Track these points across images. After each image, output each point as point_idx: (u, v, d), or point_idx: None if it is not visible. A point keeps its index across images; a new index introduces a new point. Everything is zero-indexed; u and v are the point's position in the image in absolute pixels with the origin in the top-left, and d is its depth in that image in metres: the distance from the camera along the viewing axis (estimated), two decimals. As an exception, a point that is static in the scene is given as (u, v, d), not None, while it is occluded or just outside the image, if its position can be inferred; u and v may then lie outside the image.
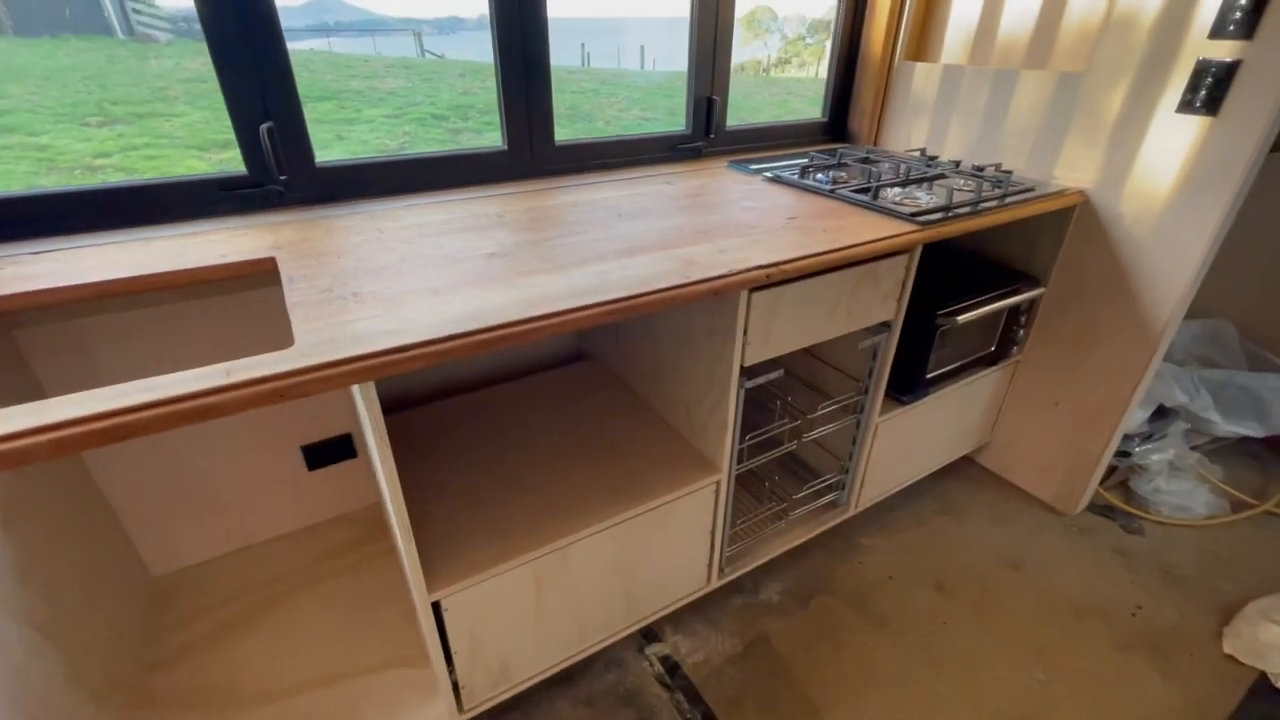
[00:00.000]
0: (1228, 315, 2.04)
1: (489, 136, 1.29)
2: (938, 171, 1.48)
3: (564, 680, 1.27)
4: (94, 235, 1.04)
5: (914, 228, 1.16)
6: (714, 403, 1.17)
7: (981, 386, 1.65)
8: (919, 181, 1.43)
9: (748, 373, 1.11)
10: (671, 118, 1.67)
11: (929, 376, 1.45)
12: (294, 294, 0.85)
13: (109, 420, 0.60)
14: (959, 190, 1.35)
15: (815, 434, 1.38)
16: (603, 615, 1.20)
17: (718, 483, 1.21)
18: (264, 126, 1.11)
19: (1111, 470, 1.81)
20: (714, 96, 1.62)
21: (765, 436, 1.29)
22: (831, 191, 1.35)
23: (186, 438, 1.24)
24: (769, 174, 1.50)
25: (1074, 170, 1.45)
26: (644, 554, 1.19)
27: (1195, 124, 1.25)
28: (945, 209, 1.23)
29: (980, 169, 1.49)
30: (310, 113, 1.17)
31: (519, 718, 1.21)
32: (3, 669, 0.78)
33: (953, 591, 1.49)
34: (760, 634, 1.38)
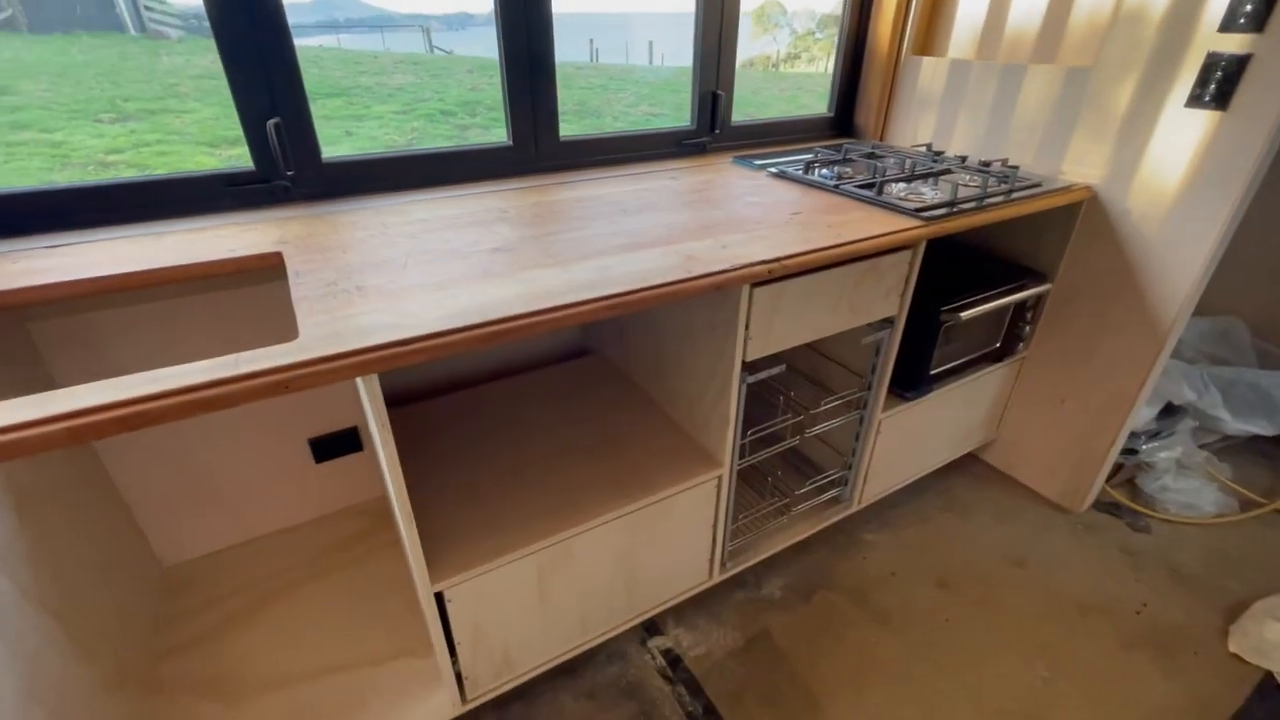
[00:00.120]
0: (1238, 312, 2.03)
1: (496, 132, 1.30)
2: (943, 167, 1.47)
3: (566, 672, 1.28)
4: (106, 230, 1.06)
5: (918, 223, 1.16)
6: (716, 397, 1.17)
7: (987, 383, 1.64)
8: (924, 177, 1.42)
9: (749, 368, 1.11)
10: (679, 113, 1.68)
11: (933, 373, 1.45)
12: (299, 288, 0.86)
13: (121, 410, 0.61)
14: (964, 186, 1.35)
15: (818, 429, 1.38)
16: (605, 608, 1.21)
17: (720, 477, 1.22)
18: (271, 122, 1.13)
19: (1118, 468, 1.80)
20: (719, 91, 1.62)
21: (768, 432, 1.29)
22: (836, 187, 1.35)
23: (197, 431, 1.26)
24: (773, 169, 1.50)
25: (1081, 166, 1.44)
26: (646, 547, 1.19)
27: (1204, 118, 1.24)
28: (950, 204, 1.23)
29: (986, 164, 1.48)
30: (319, 109, 1.19)
31: (522, 708, 1.22)
32: (19, 654, 0.80)
33: (956, 588, 1.49)
34: (762, 628, 1.39)
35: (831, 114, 1.89)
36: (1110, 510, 1.72)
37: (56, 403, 0.61)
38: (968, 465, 1.87)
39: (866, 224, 1.15)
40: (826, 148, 1.64)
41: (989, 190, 1.30)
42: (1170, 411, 1.79)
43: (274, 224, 1.10)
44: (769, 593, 1.47)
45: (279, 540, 1.42)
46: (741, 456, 1.24)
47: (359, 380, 0.80)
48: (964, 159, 1.54)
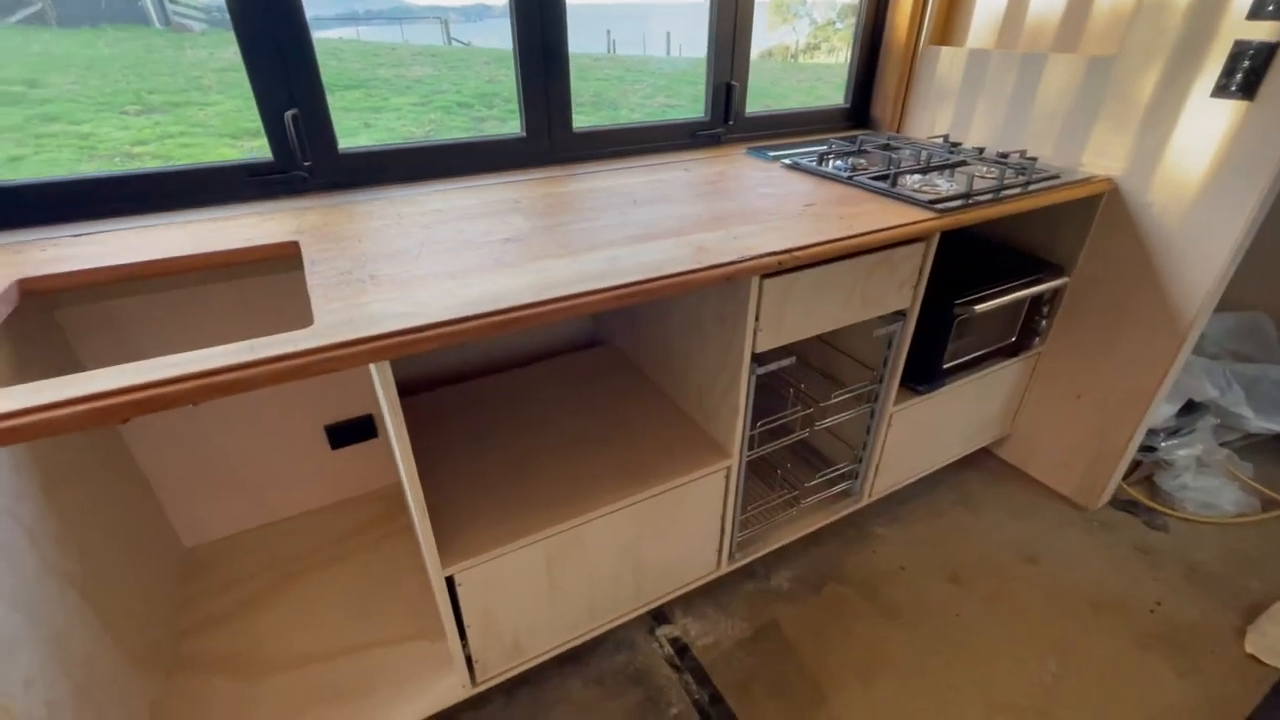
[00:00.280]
0: (1264, 307, 1.98)
1: (512, 124, 1.31)
2: (959, 158, 1.45)
3: (575, 658, 1.30)
4: (131, 219, 1.09)
5: (932, 215, 1.15)
6: (725, 389, 1.17)
7: (1001, 377, 1.63)
8: (940, 168, 1.41)
9: (759, 359, 1.11)
10: (696, 105, 1.67)
11: (946, 366, 1.44)
12: (315, 276, 0.88)
13: (142, 393, 0.63)
14: (981, 177, 1.33)
15: (828, 422, 1.38)
16: (613, 595, 1.22)
17: (729, 468, 1.22)
18: (289, 114, 1.14)
19: (1136, 465, 1.78)
20: (733, 82, 1.61)
21: (777, 424, 1.29)
22: (849, 178, 1.34)
23: (217, 416, 1.29)
24: (787, 161, 1.49)
25: (1102, 157, 1.41)
26: (654, 537, 1.20)
27: (1231, 108, 1.21)
28: (965, 196, 1.22)
29: (1004, 156, 1.46)
30: (338, 101, 1.20)
31: (531, 692, 1.24)
32: (47, 629, 0.83)
33: (967, 583, 1.48)
34: (770, 620, 1.39)
35: (847, 105, 1.87)
36: (1127, 508, 1.70)
37: (81, 385, 0.63)
38: (981, 460, 1.85)
39: (880, 216, 1.14)
40: (841, 139, 1.63)
41: (1006, 182, 1.29)
42: (1191, 409, 1.76)
43: (291, 214, 1.12)
44: (777, 584, 1.48)
45: (296, 524, 1.45)
46: (751, 448, 1.24)
47: (373, 367, 0.82)
48: (981, 151, 1.52)
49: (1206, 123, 1.24)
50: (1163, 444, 1.72)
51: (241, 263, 0.99)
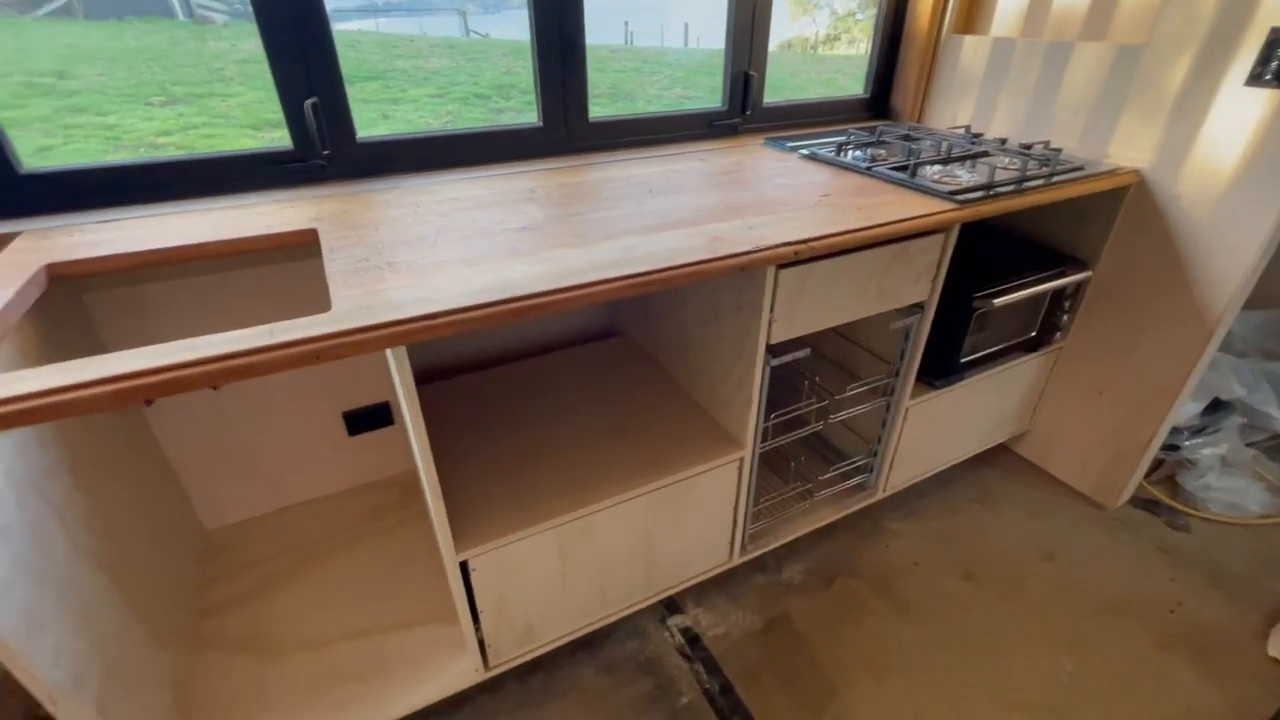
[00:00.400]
0: (1297, 305, 1.93)
1: (529, 116, 1.31)
2: (981, 149, 1.43)
3: (586, 645, 1.31)
4: (154, 206, 1.11)
5: (952, 206, 1.13)
6: (739, 379, 1.17)
7: (1020, 373, 1.60)
8: (961, 159, 1.39)
9: (773, 350, 1.11)
10: (713, 96, 1.66)
11: (964, 361, 1.42)
12: (333, 263, 0.89)
13: (164, 374, 0.65)
14: (1003, 169, 1.31)
15: (843, 415, 1.37)
16: (625, 584, 1.23)
17: (741, 459, 1.22)
18: (309, 102, 1.15)
19: (1158, 464, 1.74)
20: (751, 72, 1.60)
21: (791, 416, 1.29)
22: (868, 169, 1.32)
23: (238, 402, 1.32)
24: (805, 151, 1.48)
25: (1129, 148, 1.38)
26: (666, 526, 1.21)
27: (1265, 98, 1.17)
28: (986, 187, 1.20)
29: (1028, 147, 1.43)
30: (357, 93, 1.21)
31: (543, 679, 1.25)
32: (75, 604, 0.85)
33: (982, 580, 1.47)
34: (781, 612, 1.39)
35: (867, 95, 1.85)
36: (1147, 507, 1.67)
37: (107, 366, 0.64)
38: (998, 457, 1.83)
39: (898, 207, 1.13)
40: (860, 130, 1.61)
41: (1029, 173, 1.26)
42: (1217, 407, 1.72)
43: (310, 202, 1.14)
44: (789, 577, 1.47)
45: (314, 509, 1.47)
46: (764, 440, 1.24)
47: (389, 353, 0.82)
48: (1003, 141, 1.49)
49: (1239, 112, 1.21)
50: (1186, 443, 1.68)
51: (261, 250, 1.00)
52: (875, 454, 1.47)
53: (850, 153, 1.45)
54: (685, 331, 1.34)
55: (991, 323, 1.40)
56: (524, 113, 1.38)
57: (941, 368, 1.41)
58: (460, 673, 1.12)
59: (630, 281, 0.86)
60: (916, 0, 1.69)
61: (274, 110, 1.16)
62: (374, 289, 0.81)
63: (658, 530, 1.20)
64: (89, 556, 0.92)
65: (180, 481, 1.33)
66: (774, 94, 1.68)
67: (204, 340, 0.69)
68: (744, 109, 1.63)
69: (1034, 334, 1.55)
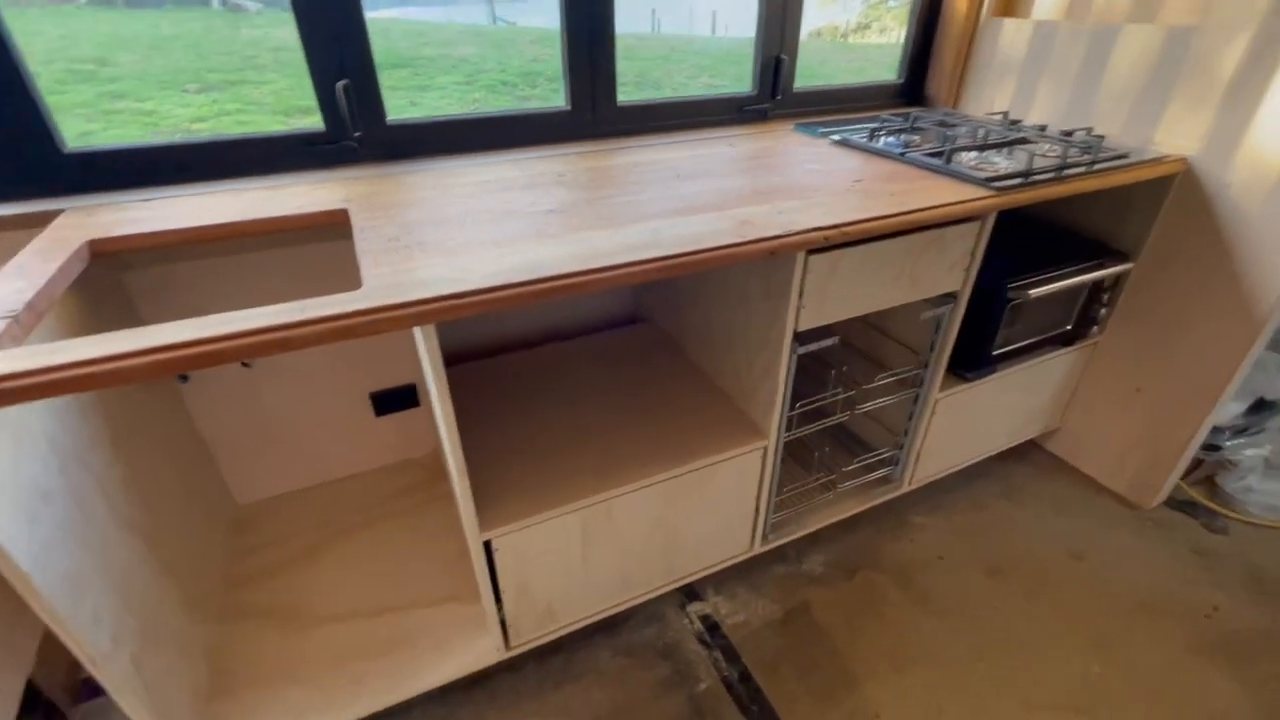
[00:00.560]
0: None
1: (555, 104, 1.31)
2: (1019, 135, 1.39)
3: (606, 629, 1.32)
4: (191, 186, 1.13)
5: (988, 193, 1.11)
6: (765, 367, 1.16)
7: (1054, 367, 1.56)
8: (998, 146, 1.35)
9: (801, 338, 1.09)
10: (740, 85, 1.62)
11: (996, 353, 1.39)
12: (363, 242, 0.90)
13: (200, 347, 0.66)
14: (1042, 156, 1.27)
15: (869, 406, 1.35)
16: (645, 569, 1.23)
17: (765, 448, 1.21)
18: (340, 84, 1.16)
19: (1196, 464, 1.69)
20: (782, 56, 1.57)
21: (816, 406, 1.27)
22: (901, 155, 1.30)
23: (269, 380, 1.34)
24: (836, 137, 1.45)
25: (1176, 136, 1.33)
26: (688, 513, 1.20)
27: (1326, 82, 1.12)
28: (1024, 174, 1.16)
29: (1069, 133, 1.38)
30: (386, 80, 1.21)
31: (562, 660, 1.26)
32: (114, 570, 0.88)
33: (1007, 577, 1.44)
34: (802, 602, 1.38)
35: (901, 81, 1.80)
36: (1184, 508, 1.62)
37: (146, 338, 0.66)
38: (1028, 453, 1.79)
39: (932, 193, 1.10)
40: (894, 116, 1.57)
41: (1069, 161, 1.22)
42: (1261, 407, 1.66)
43: (341, 183, 1.15)
44: (810, 568, 1.46)
45: (341, 487, 1.50)
46: (789, 429, 1.23)
47: (417, 331, 0.83)
48: (1043, 128, 1.44)
49: (1297, 98, 1.15)
50: (1228, 443, 1.63)
51: (294, 229, 1.02)
52: (901, 447, 1.45)
53: (883, 138, 1.42)
54: (711, 318, 1.33)
55: (1026, 314, 1.37)
56: (550, 100, 1.37)
57: (972, 360, 1.38)
58: (482, 651, 1.13)
59: (658, 264, 0.85)
60: (955, -18, 1.64)
61: (303, 97, 1.17)
62: (404, 267, 0.82)
63: (679, 516, 1.20)
64: (127, 525, 0.95)
65: (213, 457, 1.36)
66: (803, 83, 1.65)
67: (238, 315, 0.70)
68: (774, 94, 1.61)
69: (1069, 327, 1.50)
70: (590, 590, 1.19)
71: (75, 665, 1.18)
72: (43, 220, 0.99)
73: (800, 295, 1.04)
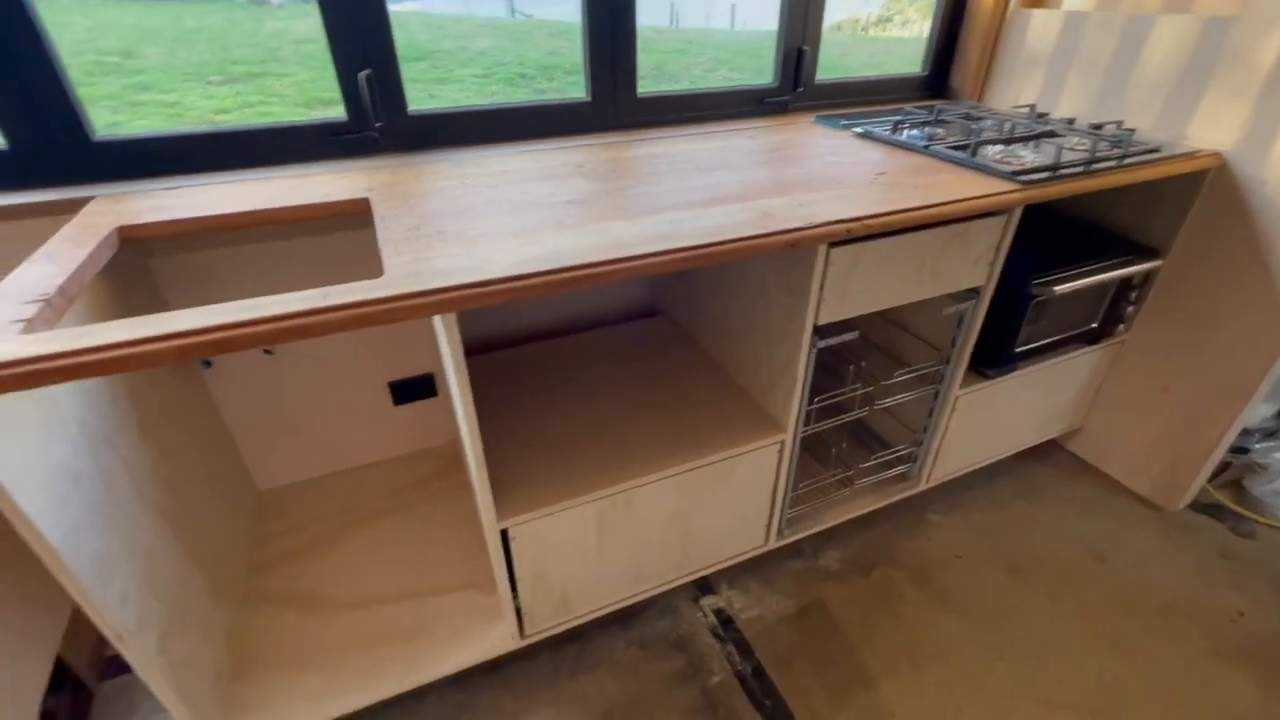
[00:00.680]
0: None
1: (573, 96, 1.31)
2: (1047, 129, 1.36)
3: (620, 620, 1.32)
4: (217, 175, 1.14)
5: (1014, 187, 1.08)
6: (784, 361, 1.15)
7: (1078, 365, 1.53)
8: (1025, 139, 1.32)
9: (821, 332, 1.08)
10: (761, 79, 1.61)
11: (1018, 350, 1.37)
12: (385, 231, 0.90)
13: (224, 332, 0.67)
14: (1070, 149, 1.24)
15: (888, 402, 1.33)
16: (660, 561, 1.23)
17: (782, 443, 1.21)
18: (363, 74, 1.17)
19: (1224, 467, 1.65)
20: (805, 47, 1.55)
21: (834, 401, 1.26)
22: (925, 148, 1.28)
23: (290, 368, 1.36)
24: (858, 129, 1.43)
25: (1211, 130, 1.29)
26: (704, 506, 1.20)
27: (1371, 74, 1.08)
28: (1052, 168, 1.14)
29: (1098, 127, 1.35)
30: (405, 72, 1.22)
31: (576, 650, 1.27)
32: (140, 551, 0.90)
33: (1026, 577, 1.42)
34: (817, 598, 1.38)
35: (925, 73, 1.77)
36: (1210, 511, 1.59)
37: (172, 322, 0.67)
38: (1050, 452, 1.76)
39: (957, 186, 1.08)
40: (917, 108, 1.55)
41: (1098, 154, 1.20)
42: (1293, 409, 1.62)
43: (363, 173, 1.16)
44: (826, 564, 1.45)
45: (360, 474, 1.52)
46: (806, 424, 1.22)
47: (437, 320, 0.83)
48: (1071, 121, 1.41)
49: (1340, 90, 1.12)
50: (1257, 446, 1.59)
51: (316, 217, 1.03)
52: (920, 444, 1.43)
53: (907, 131, 1.40)
54: (729, 310, 1.32)
55: (1050, 311, 1.34)
56: (567, 94, 1.37)
57: (995, 357, 1.36)
58: (497, 639, 1.14)
59: (679, 255, 0.84)
60: (983, -28, 1.61)
61: (325, 89, 1.18)
62: (424, 256, 0.82)
63: (695, 509, 1.20)
64: (153, 508, 0.97)
65: (235, 443, 1.38)
66: (823, 76, 1.63)
67: (261, 301, 0.71)
68: (796, 85, 1.59)
69: (1095, 325, 1.48)
70: (605, 581, 1.19)
71: (100, 645, 1.21)
72: (73, 207, 1.01)
73: (821, 288, 1.03)
